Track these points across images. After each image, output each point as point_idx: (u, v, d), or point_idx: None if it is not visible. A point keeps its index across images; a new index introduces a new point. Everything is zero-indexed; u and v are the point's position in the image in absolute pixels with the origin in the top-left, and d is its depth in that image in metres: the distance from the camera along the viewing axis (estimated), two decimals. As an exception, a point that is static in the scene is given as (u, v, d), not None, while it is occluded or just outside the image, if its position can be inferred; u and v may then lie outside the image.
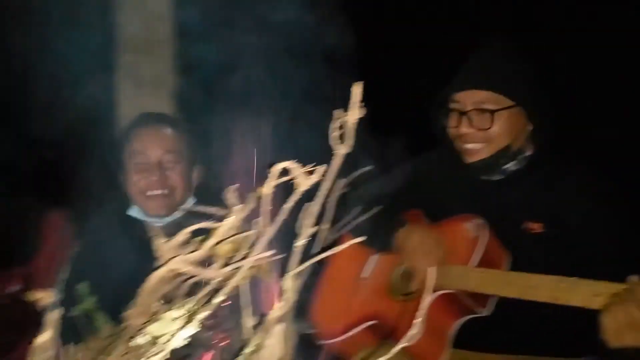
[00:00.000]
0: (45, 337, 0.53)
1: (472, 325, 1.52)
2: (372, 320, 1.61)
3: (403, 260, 1.61)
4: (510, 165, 1.58)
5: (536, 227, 1.51)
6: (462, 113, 1.55)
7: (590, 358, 1.46)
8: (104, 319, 1.00)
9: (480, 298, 1.50)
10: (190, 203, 1.76)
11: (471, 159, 1.57)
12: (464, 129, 1.55)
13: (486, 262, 1.50)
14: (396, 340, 1.51)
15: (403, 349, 1.48)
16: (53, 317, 0.53)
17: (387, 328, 1.56)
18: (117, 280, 1.39)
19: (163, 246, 0.69)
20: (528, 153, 1.60)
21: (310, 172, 0.63)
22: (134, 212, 1.74)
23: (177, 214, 1.73)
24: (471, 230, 1.54)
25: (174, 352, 0.95)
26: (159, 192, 1.67)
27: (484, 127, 1.53)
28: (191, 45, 2.41)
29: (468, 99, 1.54)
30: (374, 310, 1.63)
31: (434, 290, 1.49)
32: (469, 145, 1.57)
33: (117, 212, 1.77)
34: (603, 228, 1.45)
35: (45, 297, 0.61)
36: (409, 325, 1.54)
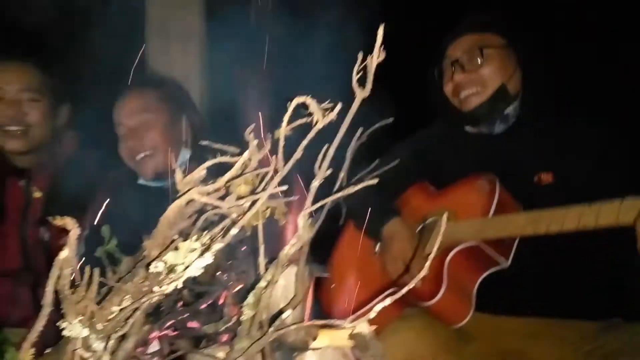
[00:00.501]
0: (65, 253, 0.56)
1: (493, 289, 1.52)
2: (391, 289, 1.64)
3: (384, 250, 1.66)
4: (510, 111, 1.59)
5: (547, 177, 1.52)
6: (454, 62, 1.58)
7: (614, 320, 1.45)
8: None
9: (501, 248, 1.51)
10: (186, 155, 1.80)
11: (469, 107, 1.60)
12: (457, 76, 1.58)
13: (501, 213, 1.51)
14: (413, 299, 1.55)
15: (429, 310, 1.52)
16: (73, 235, 0.55)
17: (408, 293, 1.57)
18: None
19: (181, 179, 0.71)
20: (524, 98, 1.61)
21: (328, 110, 0.64)
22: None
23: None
24: (484, 186, 1.55)
25: (192, 291, 0.99)
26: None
27: (475, 67, 1.55)
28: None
29: (459, 48, 1.59)
30: (391, 280, 1.66)
31: (455, 245, 1.51)
32: (465, 92, 1.60)
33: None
34: (611, 171, 1.45)
35: (67, 223, 0.64)
36: (428, 285, 1.57)
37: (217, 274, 1.03)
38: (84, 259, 0.71)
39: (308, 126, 0.71)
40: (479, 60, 1.54)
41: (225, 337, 0.95)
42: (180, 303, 0.99)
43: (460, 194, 1.63)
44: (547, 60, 1.64)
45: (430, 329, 1.49)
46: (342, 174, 1.02)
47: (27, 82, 1.77)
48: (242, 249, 1.07)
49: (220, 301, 1.03)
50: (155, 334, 0.92)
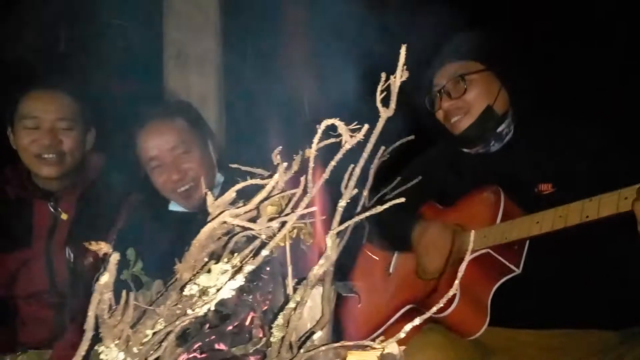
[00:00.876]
0: (106, 278, 0.57)
1: (508, 301, 1.52)
2: (409, 304, 1.65)
3: (418, 255, 1.69)
4: (502, 128, 1.64)
5: (547, 187, 1.55)
6: (440, 90, 1.65)
7: (635, 329, 1.43)
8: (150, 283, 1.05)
9: (511, 254, 1.54)
10: (220, 179, 1.81)
11: (459, 130, 1.66)
12: (445, 103, 1.65)
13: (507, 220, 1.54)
14: (436, 316, 1.54)
15: (444, 322, 1.52)
16: (113, 261, 0.57)
17: (425, 309, 1.56)
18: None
19: (212, 203, 0.72)
20: (513, 116, 1.65)
21: (355, 131, 0.65)
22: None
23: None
24: (489, 197, 1.60)
25: (218, 313, 1.00)
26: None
27: (460, 93, 1.61)
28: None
29: (443, 76, 1.65)
30: (408, 296, 1.68)
31: (464, 257, 1.52)
32: (454, 118, 1.66)
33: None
34: (609, 168, 1.47)
35: (103, 247, 0.65)
36: (442, 297, 1.57)
37: (242, 295, 1.04)
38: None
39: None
40: (463, 86, 1.61)
41: (253, 359, 0.96)
42: (207, 325, 1.00)
43: (467, 207, 1.68)
44: (531, 73, 1.71)
45: (450, 344, 1.48)
46: (365, 193, 1.03)
47: (62, 110, 1.82)
48: (267, 269, 1.08)
49: (246, 322, 1.04)
50: (183, 357, 0.93)
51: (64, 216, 1.86)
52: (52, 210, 1.86)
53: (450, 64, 1.65)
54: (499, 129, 1.64)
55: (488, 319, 1.50)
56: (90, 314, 0.57)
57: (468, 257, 0.79)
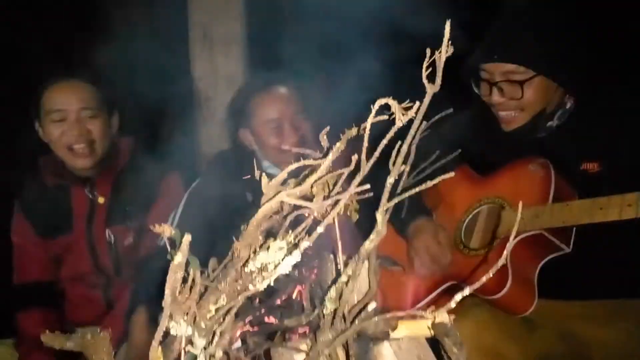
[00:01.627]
0: (179, 258, 0.60)
1: (553, 273, 1.52)
2: (448, 282, 1.64)
3: (412, 250, 1.65)
4: (552, 123, 1.57)
5: (593, 166, 1.51)
6: (493, 83, 1.54)
7: None
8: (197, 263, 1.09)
9: (563, 234, 1.50)
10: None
11: (508, 127, 1.59)
12: (496, 98, 1.55)
13: (558, 200, 1.50)
14: (477, 293, 1.55)
15: (492, 302, 1.51)
16: (186, 242, 0.60)
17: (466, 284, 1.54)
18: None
19: (267, 183, 0.75)
20: (568, 106, 1.57)
21: (407, 109, 0.66)
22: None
23: None
24: (537, 170, 1.54)
25: (265, 289, 1.04)
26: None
27: (515, 97, 1.52)
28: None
29: (496, 69, 1.54)
30: (449, 272, 1.64)
31: (515, 237, 1.49)
32: (504, 114, 1.58)
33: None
34: None
35: (165, 230, 0.69)
36: (492, 278, 1.56)
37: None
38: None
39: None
40: (519, 91, 1.51)
41: (301, 331, 1.00)
42: (256, 300, 1.04)
43: (511, 179, 1.61)
44: (582, 76, 1.58)
45: (494, 320, 1.49)
46: (406, 168, 1.05)
47: (86, 99, 1.86)
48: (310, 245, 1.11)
49: (294, 296, 1.07)
50: (237, 330, 0.97)
51: (100, 200, 1.92)
52: (88, 195, 1.92)
53: (505, 64, 1.53)
54: (548, 124, 1.59)
55: (537, 297, 1.49)
56: (167, 291, 0.60)
57: (511, 239, 0.79)
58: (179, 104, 2.50)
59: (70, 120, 1.83)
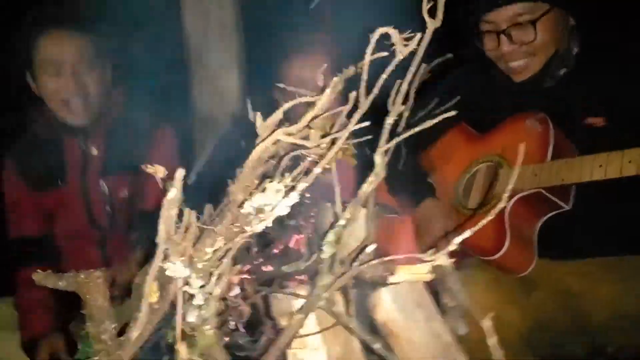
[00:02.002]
0: (172, 194, 0.58)
1: (551, 233, 1.50)
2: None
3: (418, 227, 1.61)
4: (560, 71, 1.51)
5: (597, 121, 1.46)
6: (499, 32, 1.46)
7: None
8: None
9: (563, 192, 1.47)
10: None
11: (521, 77, 1.51)
12: (506, 47, 1.47)
13: (558, 156, 1.45)
14: (476, 254, 1.53)
15: (491, 263, 1.50)
16: (179, 177, 0.58)
17: (468, 247, 1.53)
18: None
19: (262, 124, 0.72)
20: (575, 51, 1.51)
21: (408, 40, 0.63)
22: None
23: None
24: (535, 126, 1.48)
25: (262, 238, 1.03)
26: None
27: (528, 40, 1.45)
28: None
29: (501, 16, 1.46)
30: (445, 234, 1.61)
31: (515, 193, 1.46)
32: (515, 64, 1.50)
33: None
34: None
35: (158, 170, 0.67)
36: (490, 238, 1.54)
37: (285, 219, 1.06)
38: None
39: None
40: (532, 33, 1.44)
41: (298, 279, 0.99)
42: (254, 250, 1.03)
43: (509, 136, 1.56)
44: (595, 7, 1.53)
45: (493, 281, 1.48)
46: (405, 112, 1.02)
47: (81, 52, 1.78)
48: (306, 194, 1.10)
49: (291, 245, 1.07)
50: (235, 278, 0.97)
51: (94, 151, 1.89)
52: (82, 147, 1.88)
53: (510, 6, 1.45)
54: (559, 71, 1.52)
55: (536, 256, 1.47)
56: (161, 227, 0.59)
57: (504, 199, 0.77)
58: (171, 58, 2.44)
59: (66, 73, 1.77)
